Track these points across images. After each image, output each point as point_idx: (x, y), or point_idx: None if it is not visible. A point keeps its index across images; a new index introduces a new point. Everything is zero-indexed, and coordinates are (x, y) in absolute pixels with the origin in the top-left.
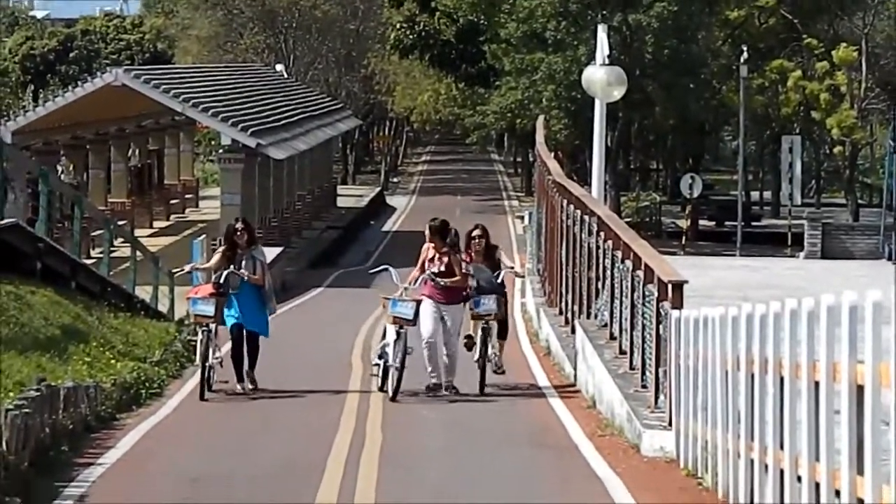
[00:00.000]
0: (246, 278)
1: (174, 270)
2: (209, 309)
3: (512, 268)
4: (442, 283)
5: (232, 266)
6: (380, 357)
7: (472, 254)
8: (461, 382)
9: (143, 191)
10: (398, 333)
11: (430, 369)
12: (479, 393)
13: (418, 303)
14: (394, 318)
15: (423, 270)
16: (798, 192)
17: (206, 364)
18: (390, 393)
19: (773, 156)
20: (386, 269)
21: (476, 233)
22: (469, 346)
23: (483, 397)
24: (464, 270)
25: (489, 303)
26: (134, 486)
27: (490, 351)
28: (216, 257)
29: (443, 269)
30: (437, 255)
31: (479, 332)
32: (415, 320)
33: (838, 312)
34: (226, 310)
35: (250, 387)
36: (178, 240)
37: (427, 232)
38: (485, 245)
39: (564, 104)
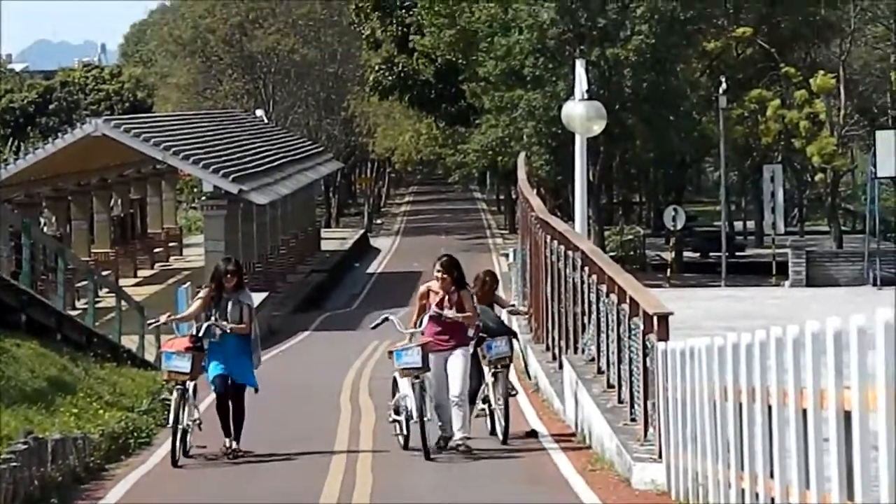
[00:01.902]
0: (229, 330)
1: (149, 322)
2: (184, 365)
3: (513, 305)
4: (447, 318)
5: (214, 314)
6: (397, 412)
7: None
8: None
9: (127, 240)
10: (414, 385)
11: (439, 424)
12: (503, 441)
13: (423, 346)
14: (402, 371)
15: (421, 315)
16: (781, 221)
17: (179, 427)
18: (424, 451)
19: (755, 185)
20: (387, 319)
21: (489, 280)
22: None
23: (475, 437)
24: (475, 307)
25: (501, 345)
26: None
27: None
28: (196, 304)
29: (454, 309)
30: (446, 296)
31: (492, 378)
32: (425, 365)
33: (823, 339)
34: (209, 360)
35: (239, 452)
36: (163, 288)
37: (439, 270)
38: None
39: (545, 140)
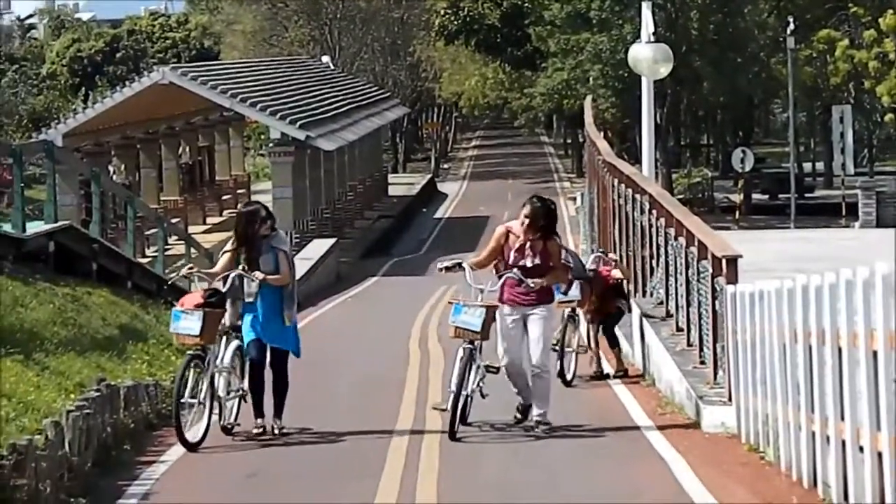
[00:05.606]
0: (260, 279)
1: (170, 274)
2: (193, 326)
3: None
4: (532, 285)
5: (241, 265)
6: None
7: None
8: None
9: (195, 188)
10: (466, 350)
11: (515, 391)
12: (567, 384)
13: (489, 309)
14: (455, 330)
15: (493, 258)
16: (851, 162)
17: (182, 402)
18: (450, 430)
19: (824, 126)
20: (460, 265)
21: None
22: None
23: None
24: (563, 260)
25: (574, 290)
26: (197, 482)
27: (574, 344)
28: (224, 258)
29: (537, 261)
30: (529, 243)
31: (563, 320)
32: (485, 332)
33: (893, 280)
34: (244, 322)
35: (276, 429)
36: (231, 235)
37: (525, 216)
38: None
39: (611, 83)
